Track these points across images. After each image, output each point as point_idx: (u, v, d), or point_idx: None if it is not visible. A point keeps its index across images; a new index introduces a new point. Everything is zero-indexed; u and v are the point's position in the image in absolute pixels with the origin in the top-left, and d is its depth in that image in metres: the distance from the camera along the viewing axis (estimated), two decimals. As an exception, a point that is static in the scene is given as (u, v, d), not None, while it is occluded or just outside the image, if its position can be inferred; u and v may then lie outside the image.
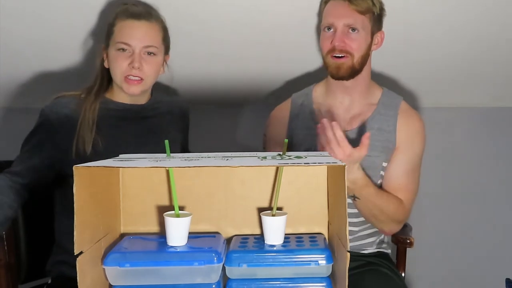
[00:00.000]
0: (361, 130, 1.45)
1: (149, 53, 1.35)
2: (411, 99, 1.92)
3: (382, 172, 1.45)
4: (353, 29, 1.39)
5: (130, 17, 1.34)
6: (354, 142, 1.44)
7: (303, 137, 1.49)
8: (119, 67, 1.33)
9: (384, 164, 1.44)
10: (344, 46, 1.39)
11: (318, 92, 1.55)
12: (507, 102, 2.05)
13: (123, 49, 1.33)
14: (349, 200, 1.38)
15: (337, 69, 1.42)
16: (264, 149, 1.62)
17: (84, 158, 1.28)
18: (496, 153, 2.08)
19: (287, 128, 1.54)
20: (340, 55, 1.40)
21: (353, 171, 1.26)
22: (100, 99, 1.37)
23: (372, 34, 1.43)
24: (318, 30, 1.56)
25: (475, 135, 2.08)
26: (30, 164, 1.31)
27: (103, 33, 1.40)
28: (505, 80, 1.88)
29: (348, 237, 0.77)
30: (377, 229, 1.49)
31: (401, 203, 1.42)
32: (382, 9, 1.45)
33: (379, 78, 1.72)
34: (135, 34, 1.33)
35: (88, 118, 1.33)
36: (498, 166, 2.09)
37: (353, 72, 1.42)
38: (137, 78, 1.34)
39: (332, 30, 1.41)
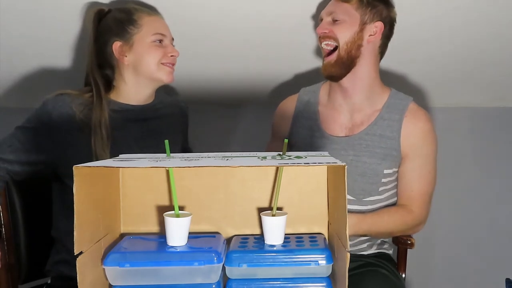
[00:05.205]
0: (361, 136, 1.42)
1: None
2: (419, 99, 1.91)
3: (384, 180, 1.41)
4: (335, 20, 1.39)
5: (152, 12, 1.40)
6: (354, 148, 1.42)
7: (304, 136, 1.48)
8: (154, 57, 1.35)
9: (386, 171, 1.41)
10: (327, 33, 1.40)
11: (323, 91, 1.53)
12: (507, 102, 2.05)
13: (160, 40, 1.37)
14: (349, 196, 1.38)
15: (325, 67, 1.42)
16: (271, 138, 1.63)
17: None
18: (496, 153, 2.08)
19: (291, 123, 1.54)
20: (327, 43, 1.41)
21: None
22: (107, 102, 1.36)
23: (363, 23, 1.40)
24: None
25: (475, 135, 2.08)
26: (24, 158, 1.31)
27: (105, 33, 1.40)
28: (505, 80, 1.88)
29: (348, 237, 0.77)
30: None
31: (408, 213, 1.40)
32: (378, 2, 1.41)
33: (387, 76, 1.70)
34: (165, 26, 1.40)
35: (101, 122, 1.32)
36: (498, 166, 2.09)
37: (342, 66, 1.40)
38: (171, 65, 1.39)
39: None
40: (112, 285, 0.85)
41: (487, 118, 2.08)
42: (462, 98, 2.01)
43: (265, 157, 0.87)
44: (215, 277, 0.84)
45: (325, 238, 0.97)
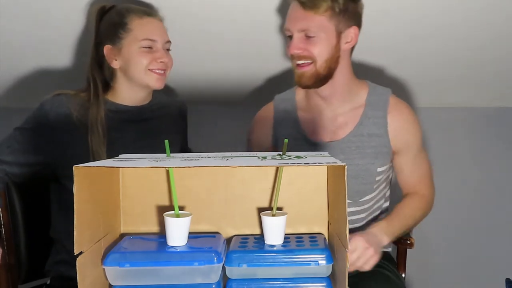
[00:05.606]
0: (349, 139, 1.39)
1: (166, 49, 1.38)
2: (408, 98, 1.91)
3: (378, 177, 1.41)
4: (309, 36, 1.29)
5: (145, 14, 1.35)
6: (344, 151, 1.39)
7: (290, 145, 1.45)
8: (141, 62, 1.32)
9: (380, 169, 1.40)
10: (302, 53, 1.31)
11: (300, 96, 1.47)
12: (507, 102, 2.05)
13: (150, 46, 1.33)
14: (349, 200, 1.38)
15: (299, 78, 1.34)
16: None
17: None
18: (496, 153, 2.08)
19: (272, 134, 1.48)
20: (302, 62, 1.32)
21: (383, 243, 1.29)
22: (104, 101, 1.36)
23: (339, 34, 1.31)
24: None
25: (475, 135, 2.08)
26: (23, 159, 1.32)
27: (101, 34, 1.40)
28: (505, 80, 1.88)
29: (349, 236, 0.77)
30: None
31: (422, 197, 1.43)
32: (349, 3, 1.30)
33: (362, 69, 1.66)
34: (157, 30, 1.35)
35: (98, 119, 1.32)
36: (498, 166, 2.09)
37: (319, 80, 1.33)
38: (161, 71, 1.35)
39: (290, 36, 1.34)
40: (112, 285, 0.85)
41: (487, 118, 2.08)
42: (462, 98, 2.01)
43: (265, 157, 0.87)
44: (215, 277, 0.84)
45: (325, 238, 0.97)
